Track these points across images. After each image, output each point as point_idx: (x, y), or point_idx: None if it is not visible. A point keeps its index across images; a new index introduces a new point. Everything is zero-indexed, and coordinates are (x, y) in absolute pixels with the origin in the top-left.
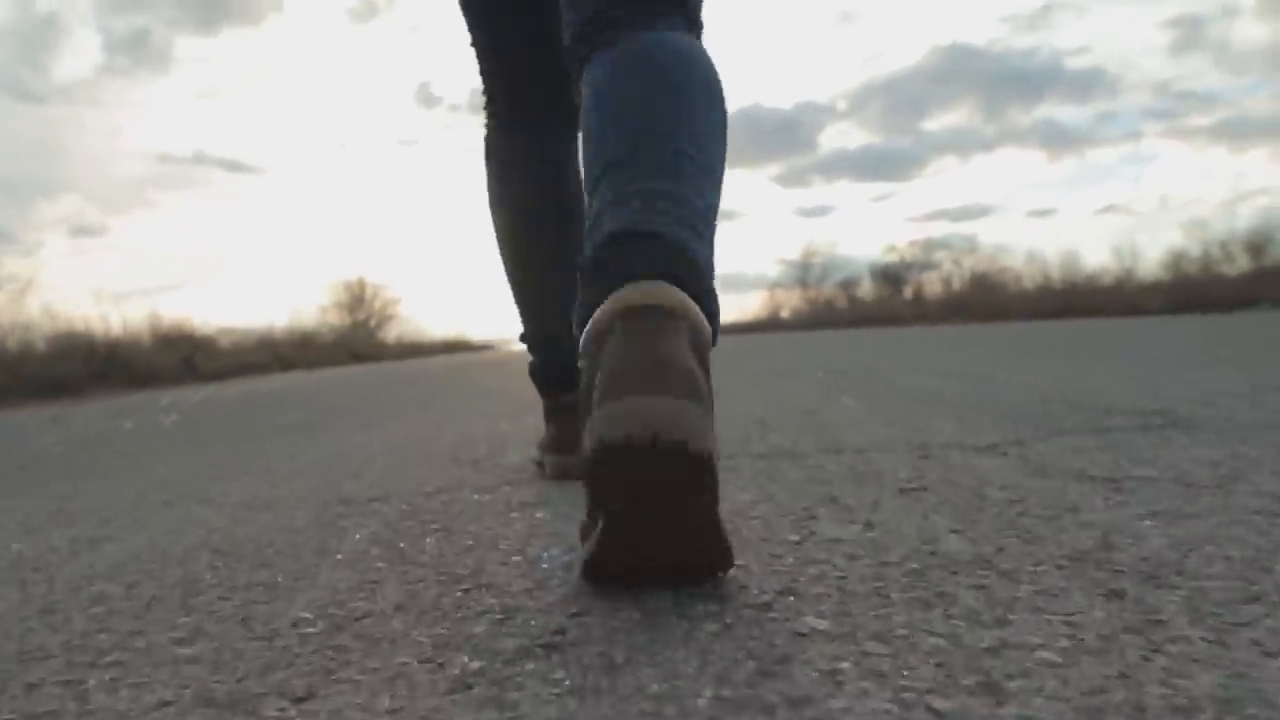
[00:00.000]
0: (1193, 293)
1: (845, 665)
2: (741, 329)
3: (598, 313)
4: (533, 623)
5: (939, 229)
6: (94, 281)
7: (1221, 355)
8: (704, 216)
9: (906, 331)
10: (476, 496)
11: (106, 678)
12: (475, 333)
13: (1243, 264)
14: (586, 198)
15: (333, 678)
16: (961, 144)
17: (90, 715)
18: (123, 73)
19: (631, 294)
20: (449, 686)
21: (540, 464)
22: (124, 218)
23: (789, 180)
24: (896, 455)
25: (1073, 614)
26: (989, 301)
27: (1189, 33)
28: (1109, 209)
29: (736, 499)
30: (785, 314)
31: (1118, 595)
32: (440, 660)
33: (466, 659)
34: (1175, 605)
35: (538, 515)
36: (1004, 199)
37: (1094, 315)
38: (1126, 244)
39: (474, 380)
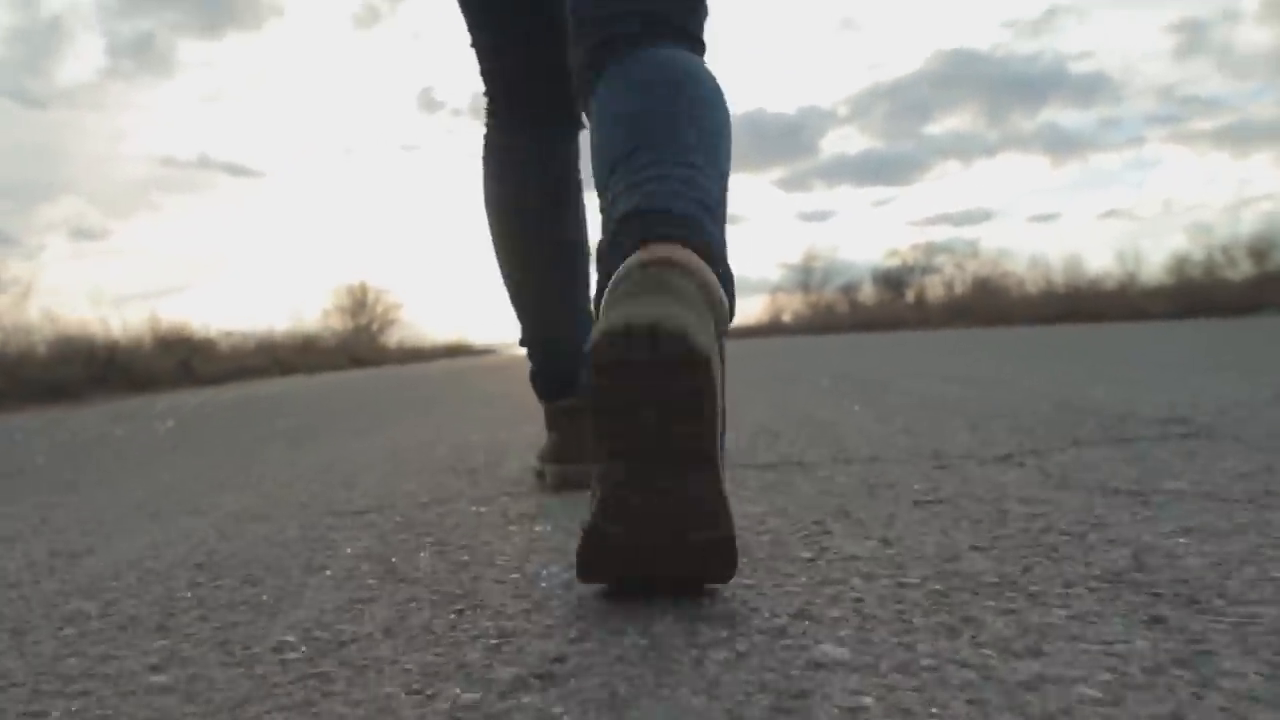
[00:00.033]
0: (1197, 297)
1: (868, 700)
2: (743, 333)
3: (612, 279)
4: (530, 649)
5: (941, 233)
6: (95, 285)
7: (1229, 361)
8: (715, 205)
9: (909, 336)
10: (474, 508)
11: (72, 708)
12: (477, 337)
13: (1246, 269)
14: (598, 199)
15: (312, 710)
16: (964, 149)
17: None
18: (126, 76)
19: (643, 254)
20: None
21: (540, 474)
22: (126, 221)
23: (791, 185)
24: (910, 465)
25: (1112, 643)
26: (991, 305)
27: (1192, 37)
28: (1112, 214)
29: (745, 512)
30: (787, 318)
31: (1158, 621)
32: (429, 691)
33: (458, 690)
34: (1223, 634)
35: (537, 529)
36: (1006, 204)
37: (1098, 320)
38: (1130, 249)
39: (474, 385)
